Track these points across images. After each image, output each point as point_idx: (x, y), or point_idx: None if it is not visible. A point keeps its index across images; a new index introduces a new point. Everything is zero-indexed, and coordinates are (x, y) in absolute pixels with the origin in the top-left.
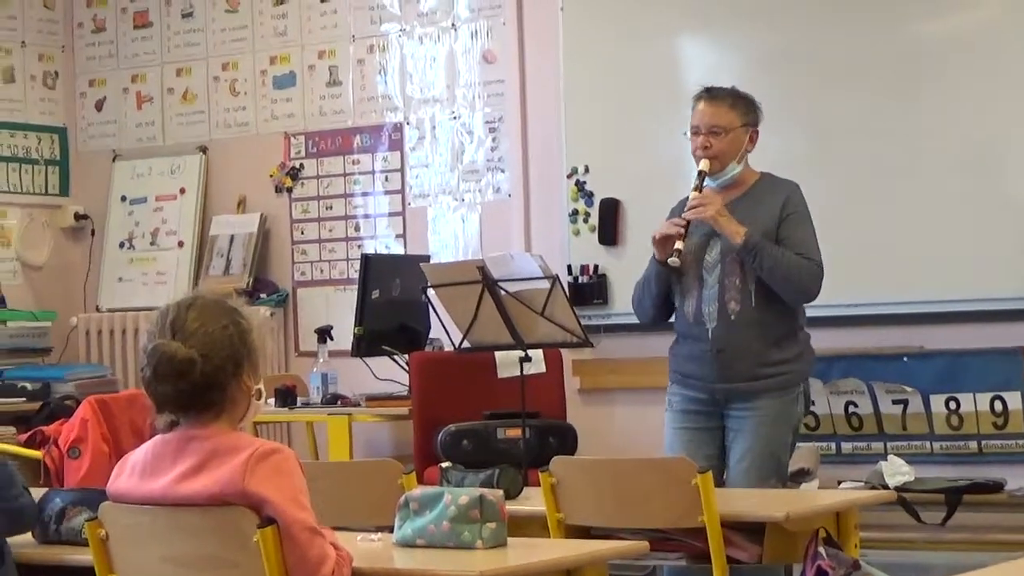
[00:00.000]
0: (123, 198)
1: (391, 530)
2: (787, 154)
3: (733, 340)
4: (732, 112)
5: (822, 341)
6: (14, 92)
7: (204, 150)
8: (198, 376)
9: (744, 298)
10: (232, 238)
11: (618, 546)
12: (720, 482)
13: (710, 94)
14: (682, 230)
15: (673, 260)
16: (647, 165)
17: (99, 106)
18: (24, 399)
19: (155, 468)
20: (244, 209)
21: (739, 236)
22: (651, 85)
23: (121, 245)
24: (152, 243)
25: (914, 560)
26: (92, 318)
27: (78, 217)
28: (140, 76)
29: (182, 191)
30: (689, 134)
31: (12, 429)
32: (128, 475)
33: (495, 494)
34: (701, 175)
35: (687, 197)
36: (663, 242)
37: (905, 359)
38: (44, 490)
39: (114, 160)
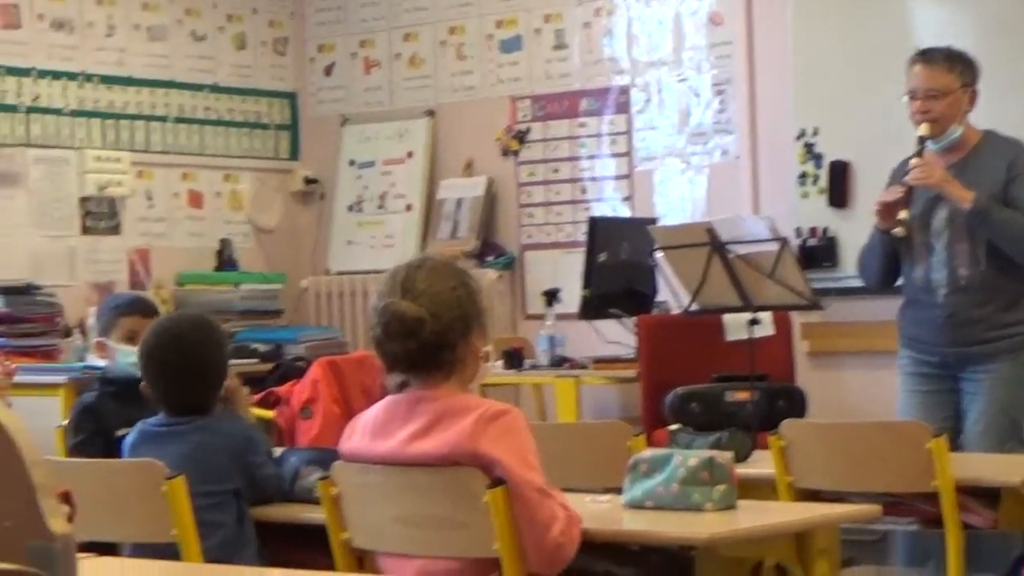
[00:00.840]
0: (351, 162)
1: (619, 492)
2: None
3: (964, 305)
4: (949, 74)
5: None
6: (245, 58)
7: (431, 114)
8: (428, 335)
9: (973, 263)
10: (459, 201)
11: (850, 510)
12: (954, 446)
13: (925, 57)
14: (904, 197)
15: (898, 231)
16: (878, 126)
17: (328, 71)
18: (257, 360)
19: (386, 428)
20: (471, 172)
21: (967, 201)
22: (882, 45)
23: (350, 208)
24: (380, 207)
25: None
26: (322, 281)
27: (308, 181)
28: (368, 41)
29: (409, 155)
30: (907, 98)
31: (247, 390)
32: (360, 435)
33: (724, 456)
34: (921, 140)
35: (905, 160)
36: (886, 210)
37: None
38: (280, 450)
39: (343, 124)
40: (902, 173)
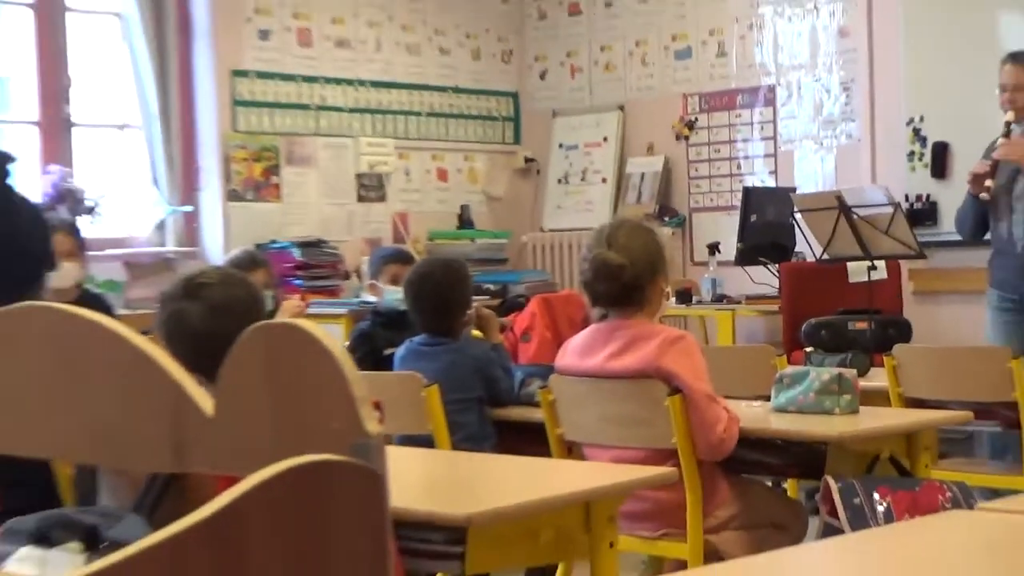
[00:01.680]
0: (560, 145)
1: (767, 399)
2: None
3: None
4: None
5: None
6: (480, 67)
7: (621, 108)
8: (627, 278)
9: None
10: (643, 175)
11: (947, 414)
12: None
13: (1014, 59)
14: (991, 169)
15: (984, 195)
16: (972, 114)
17: (542, 76)
18: (487, 297)
19: (590, 350)
20: (652, 153)
21: None
22: (975, 49)
23: (559, 181)
24: (582, 179)
25: None
26: (537, 236)
27: (527, 160)
28: (573, 52)
29: (604, 139)
30: (998, 91)
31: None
32: (570, 355)
33: (850, 372)
34: (1007, 124)
35: (995, 140)
36: (976, 180)
37: None
38: None
39: (553, 117)
40: (991, 150)
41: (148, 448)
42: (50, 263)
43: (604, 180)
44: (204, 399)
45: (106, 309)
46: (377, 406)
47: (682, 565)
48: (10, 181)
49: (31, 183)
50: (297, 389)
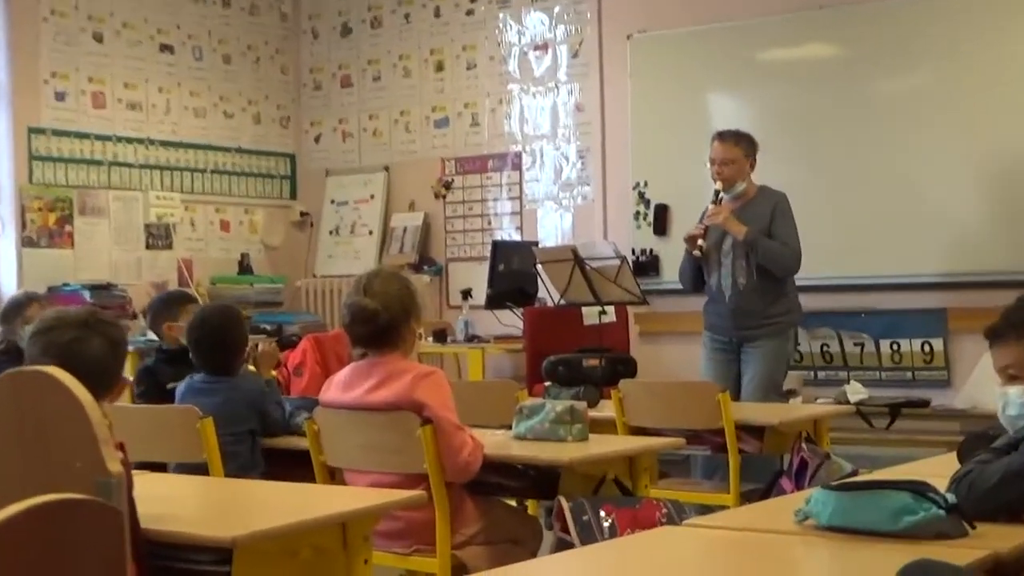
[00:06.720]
0: (332, 201)
1: (510, 427)
2: (789, 174)
3: (742, 303)
4: (737, 148)
5: (808, 302)
6: (260, 130)
7: (387, 169)
8: (381, 322)
9: (748, 275)
10: (405, 229)
11: (664, 441)
12: (735, 397)
13: (721, 136)
14: (702, 231)
15: (696, 252)
16: (687, 181)
17: (317, 140)
18: (264, 336)
19: (351, 384)
20: (413, 209)
21: (742, 234)
22: (690, 125)
23: (330, 233)
24: (351, 232)
25: (867, 453)
26: (311, 282)
27: (302, 214)
28: (344, 119)
29: (372, 197)
30: (708, 164)
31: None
32: (333, 389)
33: (581, 404)
34: (716, 192)
35: (707, 208)
36: (690, 240)
37: (863, 315)
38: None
39: (326, 176)
40: (705, 213)
41: None
42: None
43: (371, 232)
44: None
45: None
46: (120, 448)
47: None
48: None
49: None
50: (44, 430)
